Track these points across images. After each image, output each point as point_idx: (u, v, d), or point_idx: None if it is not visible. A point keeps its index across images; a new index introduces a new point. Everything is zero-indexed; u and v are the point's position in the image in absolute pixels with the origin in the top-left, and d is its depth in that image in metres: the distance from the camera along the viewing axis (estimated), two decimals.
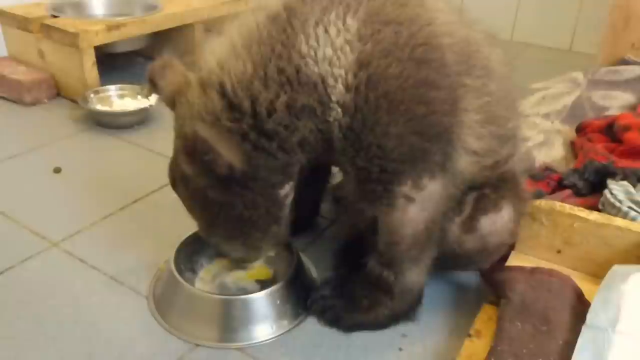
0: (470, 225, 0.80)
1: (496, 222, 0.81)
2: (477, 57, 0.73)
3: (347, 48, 0.66)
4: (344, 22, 0.67)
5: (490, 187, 0.81)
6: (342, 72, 0.66)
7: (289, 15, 0.68)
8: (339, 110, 0.67)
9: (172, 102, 0.75)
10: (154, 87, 0.76)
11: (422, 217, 0.75)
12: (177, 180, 0.76)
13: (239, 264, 0.92)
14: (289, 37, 0.67)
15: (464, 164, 0.75)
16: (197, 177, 0.71)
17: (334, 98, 0.67)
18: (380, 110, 0.66)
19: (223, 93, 0.68)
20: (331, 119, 0.68)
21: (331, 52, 0.66)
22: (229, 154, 0.67)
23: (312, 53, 0.66)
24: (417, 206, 0.74)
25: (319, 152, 0.73)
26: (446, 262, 0.84)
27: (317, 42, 0.66)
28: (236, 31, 0.71)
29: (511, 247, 0.97)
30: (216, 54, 0.71)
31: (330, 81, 0.66)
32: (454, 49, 0.70)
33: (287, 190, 0.77)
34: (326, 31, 0.66)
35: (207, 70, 0.70)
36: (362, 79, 0.66)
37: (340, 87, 0.66)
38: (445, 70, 0.69)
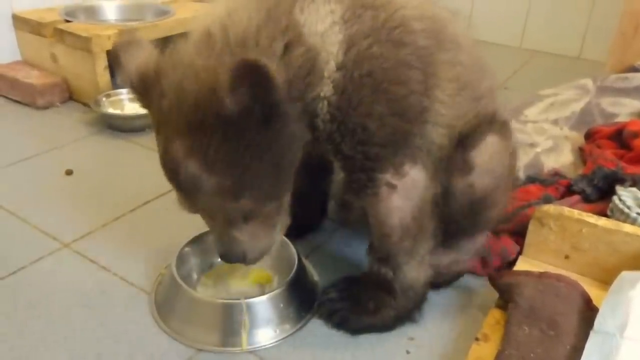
0: (465, 165, 0.79)
1: (486, 150, 0.80)
2: (445, 33, 0.77)
3: (337, 28, 0.68)
4: (330, 5, 0.69)
5: (467, 128, 0.81)
6: (334, 49, 0.68)
7: None
8: (331, 86, 0.69)
9: (140, 81, 0.68)
10: (118, 64, 0.70)
11: (407, 205, 0.77)
12: (189, 153, 0.65)
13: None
14: (287, 5, 0.68)
15: (439, 135, 0.77)
16: (246, 113, 0.61)
17: (326, 74, 0.69)
18: (365, 89, 0.69)
19: (229, 49, 0.64)
20: (322, 94, 0.69)
21: (323, 28, 0.68)
22: (279, 78, 0.62)
23: (307, 25, 0.68)
24: (400, 194, 0.76)
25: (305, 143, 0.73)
26: (478, 219, 0.84)
27: (311, 15, 0.68)
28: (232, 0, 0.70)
29: (519, 251, 0.97)
30: (212, 17, 0.68)
31: (324, 55, 0.68)
32: (425, 32, 0.73)
33: (299, 153, 0.74)
34: (317, 10, 0.69)
35: (203, 34, 0.67)
36: (351, 57, 0.68)
37: (332, 63, 0.68)
38: (419, 51, 0.72)
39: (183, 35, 0.71)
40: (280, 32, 0.66)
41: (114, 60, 0.70)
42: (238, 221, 0.73)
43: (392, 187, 0.75)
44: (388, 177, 0.75)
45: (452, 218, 0.82)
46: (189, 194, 0.69)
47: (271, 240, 0.79)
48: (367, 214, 0.80)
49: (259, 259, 0.79)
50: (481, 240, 0.91)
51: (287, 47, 0.66)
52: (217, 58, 0.64)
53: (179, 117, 0.65)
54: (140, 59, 0.69)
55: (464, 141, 0.79)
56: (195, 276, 0.94)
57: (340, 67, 0.69)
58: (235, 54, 0.63)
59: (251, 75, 0.58)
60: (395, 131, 0.72)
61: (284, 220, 0.79)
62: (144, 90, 0.69)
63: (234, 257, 0.77)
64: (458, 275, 0.94)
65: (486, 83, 0.83)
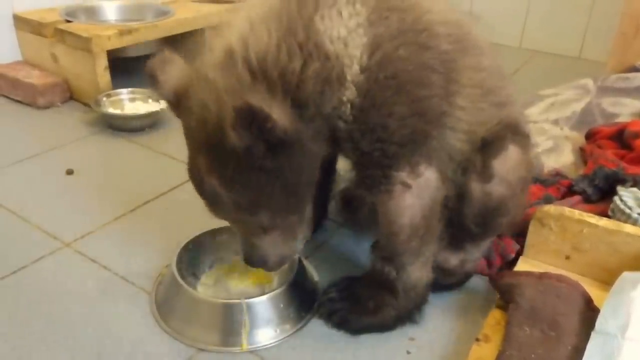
0: (485, 174, 0.80)
1: (507, 161, 0.81)
2: (468, 39, 0.78)
3: (361, 30, 0.69)
4: (354, 7, 0.69)
5: (490, 135, 0.82)
6: (358, 52, 0.68)
7: None
8: (354, 89, 0.69)
9: (174, 96, 0.72)
10: (154, 82, 0.74)
11: (418, 205, 0.77)
12: (210, 170, 0.69)
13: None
14: (307, 14, 0.68)
15: (459, 141, 0.78)
16: (250, 149, 0.65)
17: (349, 77, 0.69)
18: (388, 90, 0.69)
19: (249, 68, 0.67)
20: (345, 99, 0.70)
21: (346, 32, 0.68)
22: (281, 119, 0.65)
23: (328, 31, 0.68)
24: (413, 193, 0.76)
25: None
26: (489, 226, 0.85)
27: (332, 22, 0.68)
28: (254, 9, 0.71)
29: (520, 252, 0.97)
30: (234, 31, 0.70)
31: (346, 61, 0.68)
32: (449, 37, 0.74)
33: (319, 163, 0.76)
34: (340, 14, 0.69)
35: (226, 49, 0.69)
36: (376, 60, 0.68)
37: (355, 67, 0.69)
38: (442, 56, 0.72)
39: (189, 34, 0.71)
40: (298, 47, 0.67)
41: (150, 79, 0.73)
42: (258, 231, 0.76)
43: (407, 186, 0.76)
44: (404, 175, 0.75)
45: (462, 222, 0.83)
46: (211, 204, 0.74)
47: (291, 249, 0.82)
48: (377, 211, 0.80)
49: (280, 265, 0.82)
50: (486, 244, 0.92)
51: (306, 63, 0.67)
52: (238, 78, 0.66)
53: (202, 134, 0.68)
54: (173, 75, 0.73)
55: (485, 149, 0.80)
56: (195, 276, 0.94)
57: (364, 70, 0.69)
58: (255, 75, 0.66)
59: (250, 120, 0.61)
60: (415, 131, 0.73)
61: (304, 231, 0.82)
62: (178, 104, 0.72)
63: (255, 262, 0.80)
64: (467, 275, 0.94)
65: (507, 90, 0.84)
